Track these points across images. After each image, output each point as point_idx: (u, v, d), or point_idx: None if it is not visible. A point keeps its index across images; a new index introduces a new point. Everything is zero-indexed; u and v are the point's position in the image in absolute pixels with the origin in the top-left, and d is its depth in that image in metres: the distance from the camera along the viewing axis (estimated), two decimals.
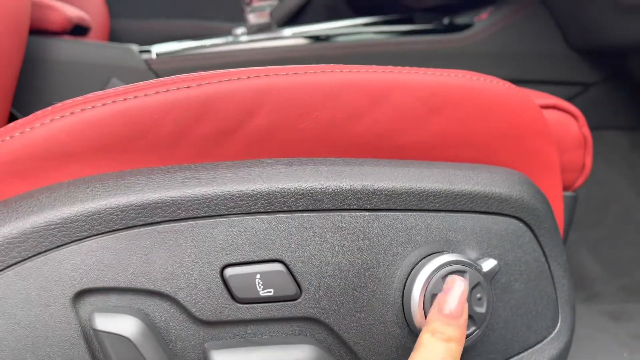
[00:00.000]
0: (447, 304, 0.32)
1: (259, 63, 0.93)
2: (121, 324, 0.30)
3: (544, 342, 0.39)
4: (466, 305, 0.32)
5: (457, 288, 0.32)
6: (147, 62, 0.94)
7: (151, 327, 0.31)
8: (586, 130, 0.51)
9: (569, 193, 0.53)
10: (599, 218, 1.06)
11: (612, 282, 0.98)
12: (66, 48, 0.90)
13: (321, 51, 0.97)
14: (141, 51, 0.96)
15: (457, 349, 0.31)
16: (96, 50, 0.94)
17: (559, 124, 0.50)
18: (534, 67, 1.02)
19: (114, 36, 1.37)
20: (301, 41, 0.99)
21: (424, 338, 0.31)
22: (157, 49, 0.99)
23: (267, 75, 0.35)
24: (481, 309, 0.35)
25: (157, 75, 0.92)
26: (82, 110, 0.33)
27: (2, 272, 0.30)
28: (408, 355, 0.35)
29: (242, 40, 1.01)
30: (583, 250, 0.99)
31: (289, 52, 0.95)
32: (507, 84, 0.41)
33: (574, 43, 0.99)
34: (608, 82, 1.05)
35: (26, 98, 0.86)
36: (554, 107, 0.50)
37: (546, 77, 1.02)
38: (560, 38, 1.00)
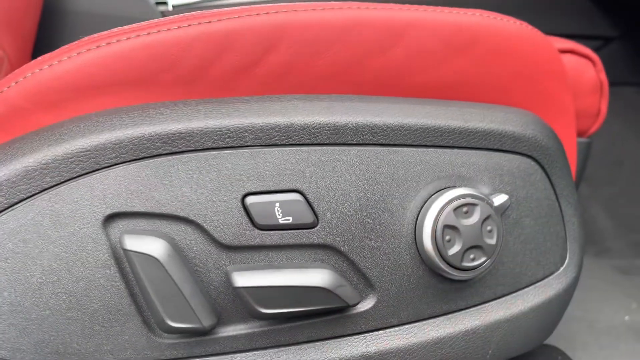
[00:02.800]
0: None
1: None
2: (149, 245, 0.32)
3: (551, 277, 0.41)
4: None
5: None
6: (164, 14, 0.94)
7: (177, 249, 0.32)
8: (603, 76, 0.51)
9: (583, 139, 0.54)
10: (612, 174, 1.06)
11: (623, 238, 0.98)
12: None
13: None
14: (157, 3, 0.96)
15: None
16: (113, 1, 0.94)
17: (576, 68, 0.50)
18: (554, 20, 1.00)
19: None
20: None
21: None
22: (174, 0, 0.99)
23: (286, 12, 0.36)
24: (491, 241, 0.36)
25: None
26: (108, 44, 0.34)
27: (36, 196, 0.31)
28: (418, 282, 0.36)
29: None
30: (595, 206, 1.00)
31: None
32: (524, 24, 0.41)
33: None
34: (628, 36, 1.03)
35: (45, 50, 0.87)
36: (571, 51, 0.50)
37: (566, 31, 1.01)
38: None
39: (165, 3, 0.96)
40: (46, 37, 0.87)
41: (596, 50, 1.03)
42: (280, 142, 0.34)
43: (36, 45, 0.84)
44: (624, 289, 0.82)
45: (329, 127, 0.35)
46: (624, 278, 0.85)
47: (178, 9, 0.95)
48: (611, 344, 0.71)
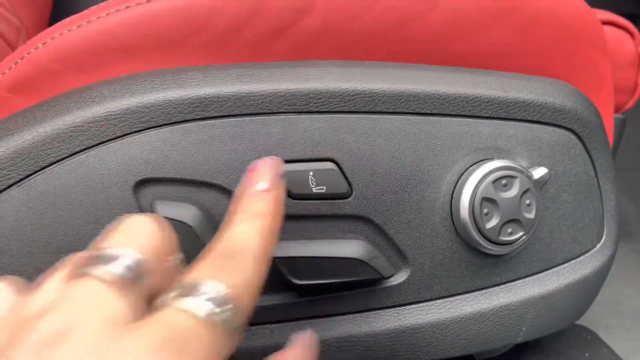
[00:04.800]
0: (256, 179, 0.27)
1: None
2: (182, 211, 0.31)
3: (587, 254, 0.39)
4: (278, 180, 0.28)
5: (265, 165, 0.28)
6: None
7: (209, 216, 0.32)
8: None
9: (618, 115, 0.52)
10: (636, 159, 1.04)
11: None
12: None
13: None
14: None
15: (269, 224, 0.26)
16: None
17: (614, 40, 0.48)
18: None
19: None
20: None
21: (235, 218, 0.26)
22: None
23: None
24: (530, 215, 0.35)
25: None
26: (138, 4, 0.33)
27: (66, 160, 0.31)
28: (453, 256, 0.35)
29: None
30: (619, 190, 0.98)
31: None
32: None
33: None
34: None
35: (62, 18, 0.86)
36: (610, 22, 0.48)
37: (592, 6, 0.98)
38: None
39: None
40: (62, 5, 0.86)
41: None
42: (314, 109, 0.33)
43: (52, 14, 0.83)
44: None
45: (365, 94, 0.33)
46: None
47: None
48: (635, 326, 0.70)
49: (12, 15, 0.73)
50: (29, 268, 0.31)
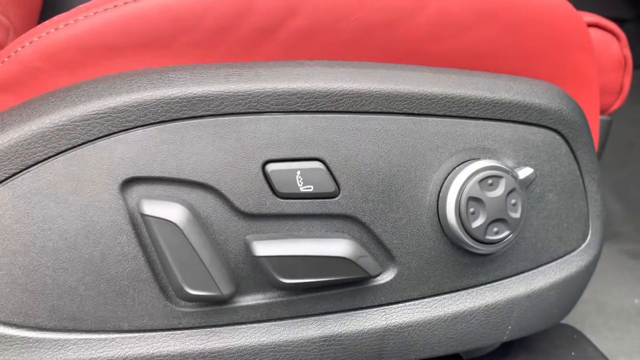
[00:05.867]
0: None
1: None
2: (168, 210, 0.31)
3: (573, 253, 0.40)
4: None
5: None
6: None
7: (196, 215, 0.32)
8: (627, 51, 0.49)
9: (604, 117, 0.53)
10: (624, 158, 1.05)
11: (632, 222, 0.98)
12: None
13: None
14: None
15: None
16: None
17: (600, 43, 0.49)
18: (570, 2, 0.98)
19: None
20: None
21: None
22: None
23: None
24: (515, 214, 0.35)
25: None
26: (125, 3, 0.33)
27: (52, 158, 0.31)
28: (440, 255, 0.36)
29: None
30: (606, 190, 0.99)
31: None
32: None
33: None
34: None
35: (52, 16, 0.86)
36: (595, 25, 0.48)
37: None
38: None
39: None
40: (51, 5, 0.85)
41: None
42: (302, 109, 0.33)
43: (42, 14, 0.82)
44: (633, 273, 0.82)
45: (352, 94, 0.34)
46: (633, 262, 0.85)
47: None
48: (621, 326, 0.71)
49: (1, 15, 0.73)
50: (14, 267, 0.31)
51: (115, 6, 0.33)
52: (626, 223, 0.98)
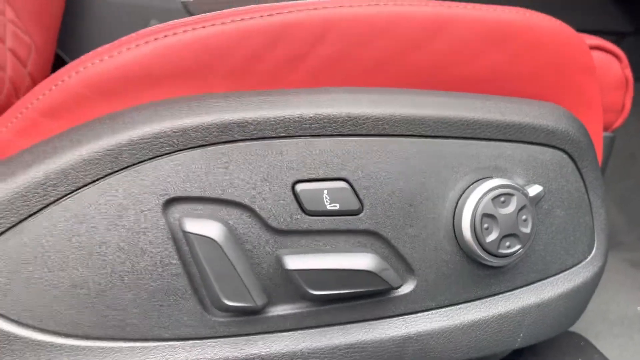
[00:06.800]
0: None
1: None
2: (208, 228, 0.33)
3: (579, 265, 0.42)
4: None
5: None
6: (185, 5, 0.95)
7: (233, 232, 0.34)
8: (628, 72, 0.52)
9: (607, 133, 0.55)
10: (626, 169, 1.07)
11: (635, 232, 1.00)
12: None
13: None
14: None
15: None
16: None
17: (602, 64, 0.51)
18: (568, 16, 1.01)
19: None
20: None
21: None
22: None
23: (333, 7, 0.37)
24: (526, 230, 0.38)
25: None
26: (165, 36, 0.35)
27: (100, 181, 0.33)
28: (456, 268, 0.38)
29: None
30: (609, 201, 1.01)
31: None
32: (557, 21, 0.42)
33: None
34: None
35: (68, 39, 0.89)
36: (597, 47, 0.51)
37: (581, 27, 1.01)
38: None
39: None
40: (69, 27, 0.88)
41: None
42: (328, 133, 0.36)
43: (60, 35, 0.85)
44: (636, 281, 0.83)
45: (373, 118, 0.36)
46: (636, 271, 0.87)
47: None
48: (624, 334, 0.73)
49: (24, 34, 0.76)
50: (64, 281, 0.33)
51: (156, 39, 0.36)
52: (629, 233, 1.00)
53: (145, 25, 0.93)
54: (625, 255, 0.93)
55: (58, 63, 0.83)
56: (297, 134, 0.35)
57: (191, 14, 0.94)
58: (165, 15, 0.94)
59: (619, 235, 1.00)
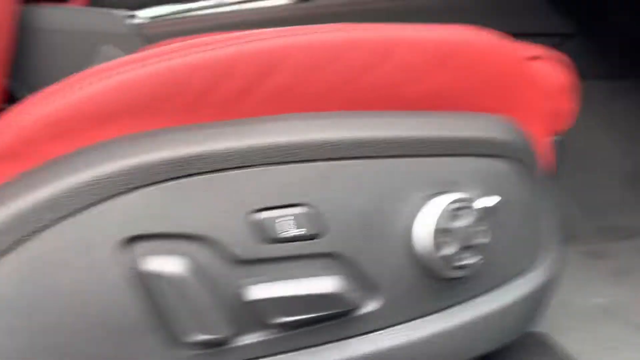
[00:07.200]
0: None
1: (249, 24, 0.94)
2: (169, 264, 0.33)
3: (537, 268, 0.44)
4: None
5: None
6: (137, 27, 0.94)
7: (196, 266, 0.34)
8: (571, 76, 0.55)
9: (557, 137, 0.58)
10: (577, 165, 1.11)
11: (590, 224, 1.03)
12: (47, 15, 0.89)
13: (309, 10, 0.99)
14: (126, 16, 0.96)
15: None
16: (80, 16, 0.94)
17: (544, 72, 0.54)
18: (511, 20, 1.04)
19: None
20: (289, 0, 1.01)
21: None
22: (144, 13, 0.99)
23: (286, 36, 0.38)
24: (482, 240, 0.39)
25: (148, 41, 0.92)
26: (118, 73, 0.35)
27: (57, 223, 0.33)
28: (417, 282, 0.40)
29: (230, 1, 1.02)
30: (562, 195, 1.05)
31: (278, 12, 0.97)
32: (494, 36, 0.45)
33: None
34: (586, 32, 1.08)
35: (20, 68, 0.87)
36: (539, 57, 0.53)
37: (524, 30, 1.05)
38: None
39: (133, 16, 0.96)
40: (20, 55, 0.86)
41: (555, 47, 1.08)
42: (284, 160, 0.36)
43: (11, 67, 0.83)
44: (594, 273, 0.86)
45: (327, 143, 0.37)
46: (594, 262, 0.90)
47: (152, 22, 0.96)
48: (583, 327, 0.75)
49: None
50: (23, 330, 0.33)
51: (109, 76, 0.35)
52: (585, 225, 1.04)
53: (95, 51, 0.91)
54: (582, 247, 0.96)
55: (10, 97, 0.81)
56: (253, 163, 0.36)
57: (144, 37, 0.94)
58: (115, 39, 0.93)
59: (577, 227, 1.03)
